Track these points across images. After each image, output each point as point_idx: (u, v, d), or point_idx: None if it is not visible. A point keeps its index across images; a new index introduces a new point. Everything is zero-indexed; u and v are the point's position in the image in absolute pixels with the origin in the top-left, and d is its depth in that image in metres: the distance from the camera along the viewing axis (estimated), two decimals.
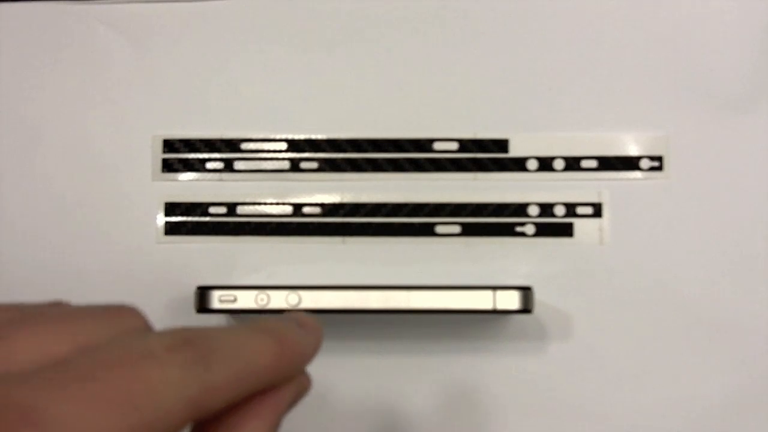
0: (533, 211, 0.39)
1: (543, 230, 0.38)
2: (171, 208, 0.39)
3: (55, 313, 0.17)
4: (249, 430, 0.18)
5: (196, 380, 0.16)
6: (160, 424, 0.15)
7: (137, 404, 0.15)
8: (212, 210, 0.39)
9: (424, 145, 0.39)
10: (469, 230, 0.39)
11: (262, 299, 0.34)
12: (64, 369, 0.15)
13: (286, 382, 0.20)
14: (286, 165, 0.39)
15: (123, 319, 0.18)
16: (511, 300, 0.34)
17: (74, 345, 0.16)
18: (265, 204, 0.39)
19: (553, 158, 0.39)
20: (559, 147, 0.39)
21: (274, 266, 0.39)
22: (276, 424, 0.19)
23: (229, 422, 0.18)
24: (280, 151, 0.39)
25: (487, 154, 0.39)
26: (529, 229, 0.39)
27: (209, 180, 0.40)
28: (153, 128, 0.40)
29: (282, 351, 0.19)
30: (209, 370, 0.17)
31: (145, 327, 0.18)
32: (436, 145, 0.39)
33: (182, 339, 0.17)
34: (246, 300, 0.34)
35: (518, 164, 0.39)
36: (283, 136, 0.40)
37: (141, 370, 0.15)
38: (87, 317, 0.17)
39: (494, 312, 0.34)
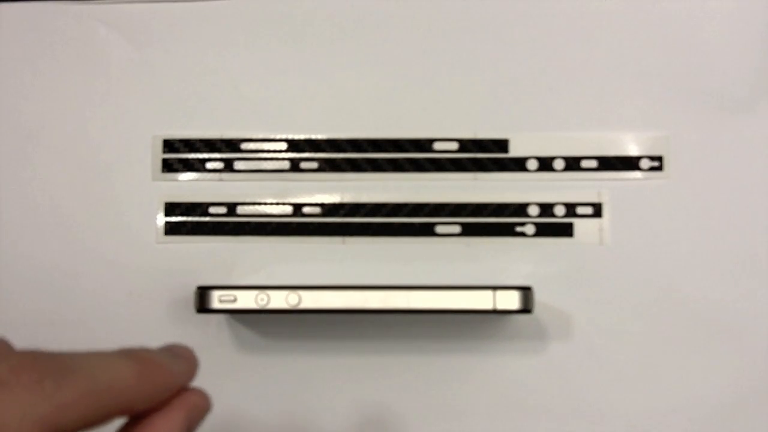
0: (533, 211, 0.39)
1: (543, 230, 0.38)
2: (171, 208, 0.39)
3: None
4: None
5: (45, 399, 0.16)
6: None
7: None
8: (212, 210, 0.39)
9: (424, 145, 0.39)
10: (469, 230, 0.39)
11: (262, 299, 0.34)
12: None
13: (165, 406, 0.20)
14: (286, 165, 0.39)
15: None
16: (511, 300, 0.34)
17: None
18: (265, 204, 0.39)
19: (553, 158, 0.39)
20: (559, 147, 0.39)
21: (274, 266, 0.39)
22: None
23: None
24: (280, 151, 0.39)
25: (487, 154, 0.39)
26: (529, 229, 0.39)
27: (209, 180, 0.40)
28: (153, 128, 0.40)
29: (144, 370, 0.19)
30: (59, 388, 0.16)
31: (4, 352, 0.18)
32: (436, 145, 0.39)
33: (31, 359, 0.17)
34: (246, 300, 0.34)
35: (518, 164, 0.39)
36: (283, 136, 0.40)
37: None
38: None
39: (494, 312, 0.34)
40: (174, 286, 0.39)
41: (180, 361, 0.21)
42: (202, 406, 0.22)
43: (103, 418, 0.18)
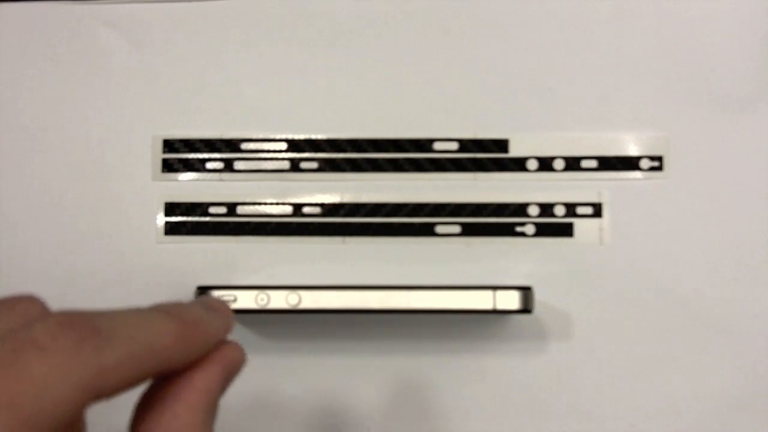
0: (533, 211, 0.39)
1: (543, 230, 0.38)
2: (171, 208, 0.39)
3: None
4: (176, 414, 0.18)
5: (85, 364, 0.16)
6: (46, 415, 0.15)
7: (17, 402, 0.14)
8: (212, 210, 0.39)
9: (424, 145, 0.39)
10: (469, 230, 0.39)
11: (262, 299, 0.34)
12: None
13: (202, 361, 0.19)
14: (286, 165, 0.39)
15: (15, 310, 0.18)
16: (511, 300, 0.34)
17: None
18: (265, 204, 0.39)
19: (553, 158, 0.39)
20: (559, 147, 0.39)
21: (274, 266, 0.39)
22: (209, 410, 0.19)
23: (160, 417, 0.18)
24: (280, 151, 0.39)
25: (487, 154, 0.39)
26: (529, 229, 0.39)
27: (209, 180, 0.40)
28: (153, 128, 0.40)
29: (183, 329, 0.19)
30: (99, 352, 0.16)
31: (40, 314, 0.18)
32: (436, 145, 0.39)
33: (69, 323, 0.16)
34: (246, 300, 0.34)
35: (518, 164, 0.39)
36: (283, 136, 0.40)
37: (24, 364, 0.15)
38: None
39: (494, 312, 0.34)
40: (174, 286, 0.39)
41: (216, 314, 0.21)
42: (238, 360, 0.21)
43: (142, 379, 0.18)
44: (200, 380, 0.19)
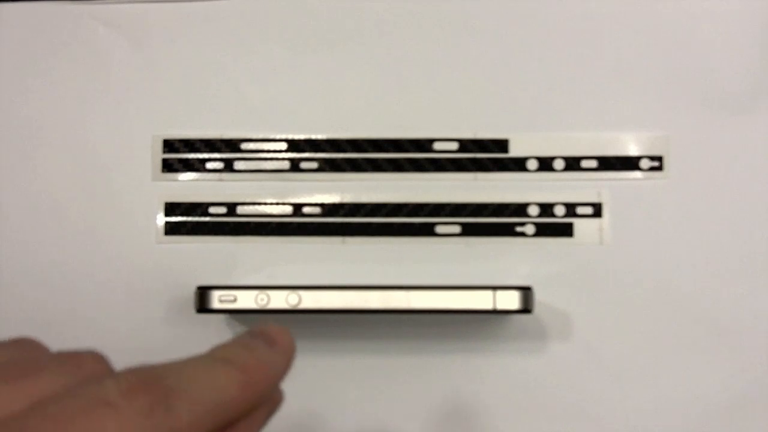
0: (533, 211, 0.39)
1: (543, 230, 0.38)
2: (171, 208, 0.39)
3: (11, 366, 0.17)
4: None
5: (157, 425, 0.15)
6: None
7: None
8: (212, 210, 0.39)
9: (424, 145, 0.39)
10: (469, 230, 0.39)
11: (262, 299, 0.34)
12: (15, 427, 0.14)
13: (259, 407, 0.19)
14: (286, 165, 0.39)
15: (82, 365, 0.17)
16: (511, 300, 0.34)
17: (28, 400, 0.15)
18: (265, 204, 0.39)
19: (553, 158, 0.39)
20: (559, 147, 0.39)
21: (274, 266, 0.39)
22: None
23: None
24: (280, 151, 0.39)
25: (487, 154, 0.39)
26: (529, 229, 0.39)
27: (209, 180, 0.40)
28: (153, 128, 0.40)
29: (248, 380, 0.18)
30: (171, 413, 0.16)
31: (105, 372, 0.18)
32: (436, 145, 0.39)
33: (141, 382, 0.16)
34: (246, 300, 0.34)
35: (518, 164, 0.39)
36: (283, 136, 0.40)
37: (96, 422, 0.15)
38: (44, 368, 0.17)
39: (494, 312, 0.34)
40: (174, 286, 0.39)
41: (278, 352, 0.20)
42: (279, 400, 0.21)
43: None
44: (245, 427, 0.19)
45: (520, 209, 0.39)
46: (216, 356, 0.19)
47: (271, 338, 0.20)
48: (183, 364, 0.18)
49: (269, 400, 0.20)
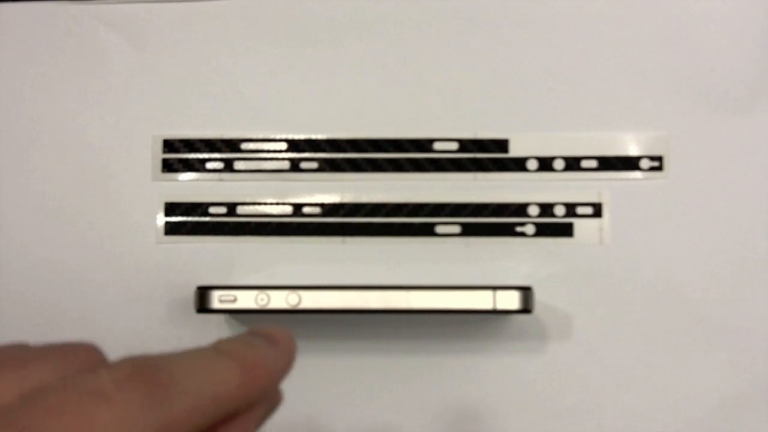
0: (533, 211, 0.39)
1: (543, 230, 0.38)
2: (171, 208, 0.39)
3: (3, 357, 0.16)
4: None
5: (151, 417, 0.15)
6: None
7: None
8: (212, 210, 0.39)
9: (424, 145, 0.39)
10: (469, 230, 0.39)
11: (262, 299, 0.34)
12: (7, 418, 0.14)
13: (255, 404, 0.19)
14: (286, 165, 0.39)
15: (76, 356, 0.17)
16: (511, 300, 0.34)
17: (19, 390, 0.15)
18: (265, 204, 0.39)
19: (553, 158, 0.39)
20: (559, 147, 0.39)
21: (274, 266, 0.39)
22: None
23: None
24: (280, 151, 0.39)
25: (487, 154, 0.39)
26: (529, 229, 0.39)
27: (209, 180, 0.40)
28: (153, 128, 0.40)
29: (247, 375, 0.18)
30: (166, 405, 0.16)
31: (99, 362, 0.17)
32: (436, 145, 0.39)
33: (135, 372, 0.16)
34: (246, 300, 0.34)
35: (518, 164, 0.39)
36: (283, 136, 0.40)
37: (89, 413, 0.15)
38: (37, 359, 0.16)
39: (494, 312, 0.34)
40: (174, 286, 0.39)
41: (279, 351, 0.20)
42: (278, 400, 0.21)
43: (205, 427, 0.17)
44: (243, 424, 0.19)
45: (520, 209, 0.39)
46: (216, 350, 0.18)
47: (273, 337, 0.20)
48: (181, 355, 0.18)
49: (268, 399, 0.20)
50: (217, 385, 0.17)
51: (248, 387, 0.18)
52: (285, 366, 0.20)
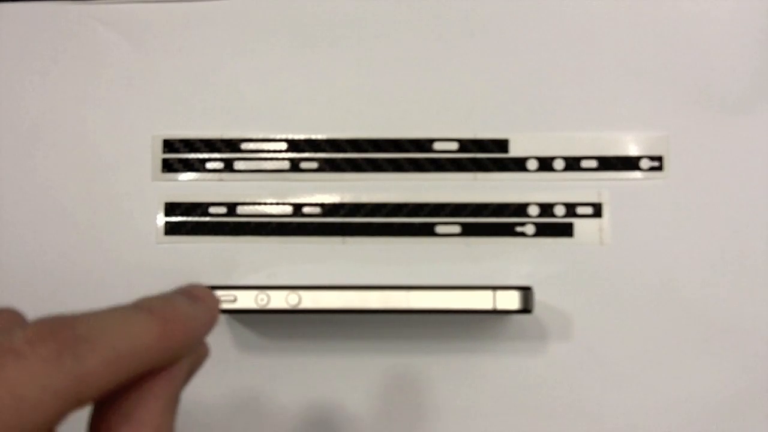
0: (533, 211, 0.39)
1: (543, 230, 0.38)
2: (171, 208, 0.39)
3: None
4: (143, 411, 0.18)
5: (63, 371, 0.16)
6: (24, 423, 0.15)
7: None
8: (212, 210, 0.39)
9: (424, 145, 0.39)
10: (469, 230, 0.39)
11: (262, 299, 0.34)
12: None
13: (179, 359, 0.19)
14: (286, 165, 0.39)
15: None
16: (511, 300, 0.34)
17: None
18: (265, 204, 0.39)
19: (553, 158, 0.39)
20: (559, 147, 0.39)
21: (274, 266, 0.39)
22: (172, 399, 0.19)
23: (122, 405, 0.18)
24: (280, 151, 0.39)
25: (487, 154, 0.39)
26: (529, 229, 0.39)
27: (209, 180, 0.40)
28: (153, 128, 0.40)
29: (165, 330, 0.18)
30: (79, 360, 0.16)
31: (18, 323, 0.18)
32: (436, 145, 0.39)
33: (47, 329, 0.16)
34: (246, 300, 0.34)
35: (518, 164, 0.39)
36: (283, 136, 0.40)
37: (1, 370, 0.15)
38: None
39: (494, 312, 0.34)
40: (174, 286, 0.38)
41: (200, 308, 0.20)
42: (204, 354, 0.21)
43: (123, 382, 0.17)
44: (168, 377, 0.19)
45: (520, 209, 0.39)
46: (135, 306, 0.19)
47: (194, 295, 0.21)
48: (98, 312, 0.18)
49: (194, 354, 0.20)
50: (135, 338, 0.18)
51: (167, 340, 0.18)
52: (206, 321, 0.20)
